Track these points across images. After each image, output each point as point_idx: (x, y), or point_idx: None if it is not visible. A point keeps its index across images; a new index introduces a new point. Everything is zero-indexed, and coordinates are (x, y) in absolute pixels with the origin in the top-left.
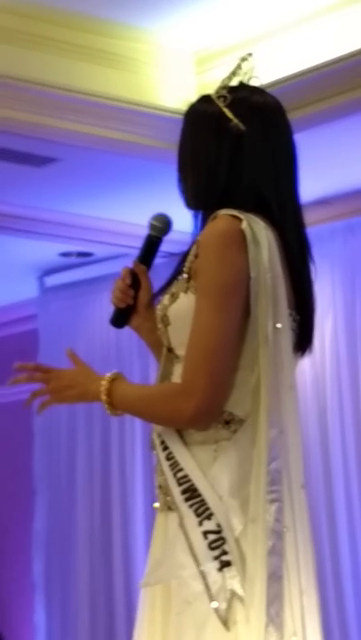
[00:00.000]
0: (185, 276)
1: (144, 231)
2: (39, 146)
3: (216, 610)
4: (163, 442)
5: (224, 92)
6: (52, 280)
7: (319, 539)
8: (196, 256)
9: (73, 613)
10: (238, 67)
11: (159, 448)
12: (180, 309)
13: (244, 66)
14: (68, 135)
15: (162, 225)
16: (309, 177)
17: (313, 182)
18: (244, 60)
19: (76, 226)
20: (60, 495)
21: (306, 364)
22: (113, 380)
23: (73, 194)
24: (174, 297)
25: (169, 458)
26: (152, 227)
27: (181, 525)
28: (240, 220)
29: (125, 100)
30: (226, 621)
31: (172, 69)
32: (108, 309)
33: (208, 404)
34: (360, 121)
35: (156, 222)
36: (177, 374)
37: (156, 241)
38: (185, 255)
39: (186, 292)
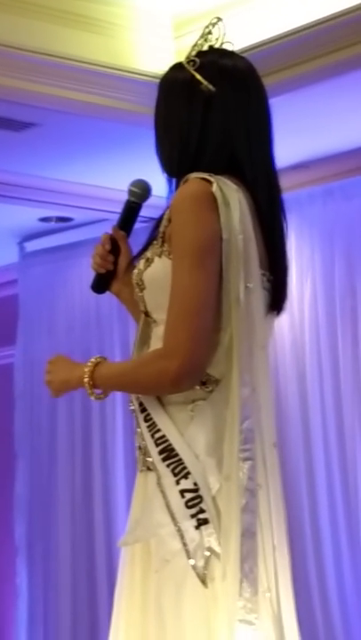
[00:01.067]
0: (159, 240)
1: (124, 196)
2: (18, 110)
3: (194, 567)
4: (141, 404)
5: (193, 57)
6: (32, 245)
7: (299, 498)
8: (170, 220)
9: (55, 575)
10: (208, 32)
11: (138, 410)
12: (155, 273)
13: (215, 31)
14: (47, 100)
15: (141, 191)
16: (288, 141)
17: (292, 147)
18: (213, 24)
19: (56, 191)
20: (41, 458)
21: (285, 326)
22: (96, 364)
23: (52, 159)
24: (149, 261)
25: (147, 419)
26: (131, 193)
27: (159, 484)
28: (210, 182)
29: (104, 64)
30: (204, 579)
31: (150, 34)
32: (88, 274)
33: (191, 364)
34: (338, 85)
35: (134, 188)
36: (155, 338)
37: (135, 207)
38: (159, 220)
39: (160, 256)
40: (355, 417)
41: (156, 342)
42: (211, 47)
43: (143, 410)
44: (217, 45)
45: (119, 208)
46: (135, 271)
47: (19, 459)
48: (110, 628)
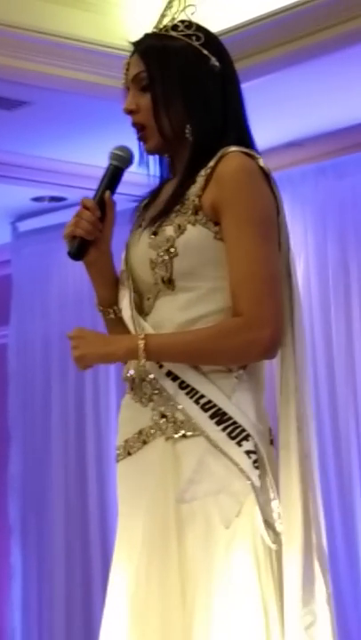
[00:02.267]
0: (190, 208)
1: None
2: (10, 89)
3: (265, 522)
4: (170, 372)
5: (192, 31)
6: (24, 225)
7: None
8: (204, 190)
9: (49, 556)
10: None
11: (165, 379)
12: (190, 241)
13: (175, 4)
14: (38, 77)
15: (127, 155)
16: (281, 119)
17: (285, 125)
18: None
19: (49, 170)
20: (35, 439)
21: None
22: (146, 336)
23: (44, 137)
24: (181, 229)
25: (183, 387)
26: (116, 157)
27: (216, 447)
28: (254, 157)
29: (96, 42)
30: (277, 535)
31: (141, 11)
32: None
33: (280, 332)
34: (330, 62)
35: (120, 152)
36: (170, 306)
37: (118, 172)
38: (178, 189)
39: (194, 224)
40: (348, 395)
41: (174, 311)
42: (197, 24)
43: (175, 378)
44: (176, 17)
45: None
46: (159, 237)
47: (12, 439)
48: (110, 606)
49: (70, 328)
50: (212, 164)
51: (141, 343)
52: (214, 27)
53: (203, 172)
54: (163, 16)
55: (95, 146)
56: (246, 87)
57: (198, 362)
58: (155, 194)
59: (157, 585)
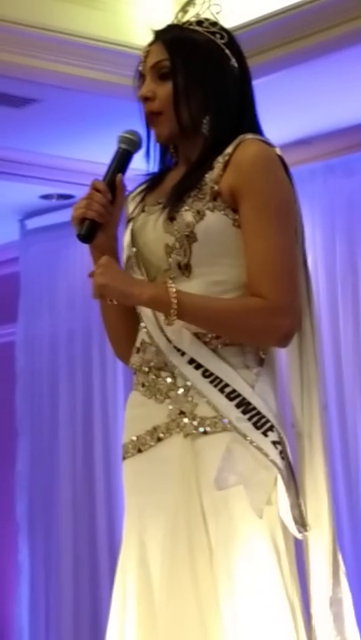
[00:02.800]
0: (208, 195)
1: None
2: (19, 86)
3: (292, 512)
4: (192, 360)
5: (216, 29)
6: (33, 223)
7: None
8: (222, 176)
9: (56, 552)
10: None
11: (187, 367)
12: (210, 227)
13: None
14: (47, 75)
15: (137, 139)
16: (290, 117)
17: (293, 123)
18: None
19: (57, 168)
20: (42, 436)
21: None
22: (178, 290)
23: (53, 135)
24: (200, 214)
25: (207, 375)
26: (127, 140)
27: (244, 436)
28: (271, 145)
29: (105, 39)
30: (304, 524)
31: (150, 8)
32: (88, 252)
33: (298, 322)
34: (339, 60)
35: (130, 136)
36: (186, 290)
37: (128, 155)
38: (194, 173)
39: (213, 210)
40: (356, 394)
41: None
42: (216, 23)
43: (198, 366)
44: (202, 14)
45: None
46: (177, 222)
47: (20, 436)
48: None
49: (78, 325)
50: (229, 150)
51: (174, 295)
52: (231, 22)
53: (220, 159)
54: (184, 11)
55: (104, 144)
56: (256, 84)
57: (220, 331)
58: (154, 181)
59: (186, 579)
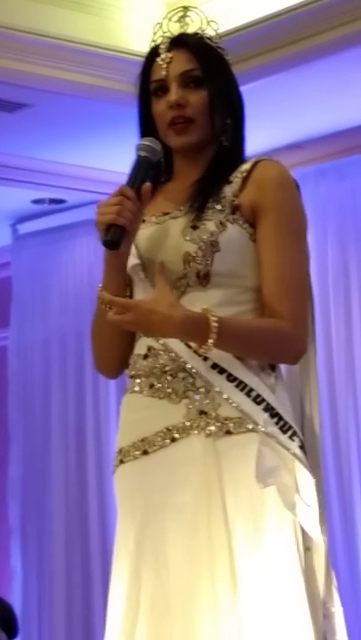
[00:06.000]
0: (228, 208)
1: (116, 177)
2: (10, 91)
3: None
4: (215, 365)
5: (222, 47)
6: (24, 227)
7: None
8: (241, 190)
9: (49, 558)
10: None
11: (210, 372)
12: (231, 239)
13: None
14: (39, 80)
15: (158, 147)
16: (282, 121)
17: (285, 127)
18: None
19: (49, 172)
20: (35, 441)
21: None
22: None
23: (45, 140)
24: (223, 225)
25: (232, 379)
26: (148, 148)
27: (273, 437)
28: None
29: (96, 44)
30: (323, 521)
31: (142, 13)
32: (81, 256)
33: (307, 342)
34: (331, 64)
35: (152, 144)
36: (201, 303)
37: (151, 164)
38: (211, 186)
39: (233, 223)
40: (348, 398)
41: (203, 303)
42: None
43: (222, 371)
44: (202, 25)
45: (112, 189)
46: (200, 232)
47: (12, 441)
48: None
49: (70, 330)
50: (246, 166)
51: (214, 320)
52: (222, 27)
53: (238, 174)
54: (184, 23)
55: (96, 148)
56: (247, 89)
57: (249, 354)
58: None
59: (203, 578)
